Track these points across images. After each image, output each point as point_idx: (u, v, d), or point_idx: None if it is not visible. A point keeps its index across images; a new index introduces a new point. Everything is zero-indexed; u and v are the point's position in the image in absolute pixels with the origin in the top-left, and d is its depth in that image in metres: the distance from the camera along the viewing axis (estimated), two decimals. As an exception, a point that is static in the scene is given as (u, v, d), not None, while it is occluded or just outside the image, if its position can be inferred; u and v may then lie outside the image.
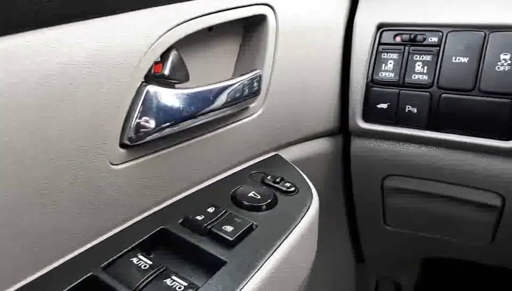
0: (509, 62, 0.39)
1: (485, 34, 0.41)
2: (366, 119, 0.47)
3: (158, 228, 0.33)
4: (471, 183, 0.45)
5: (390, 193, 0.52)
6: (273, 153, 0.45)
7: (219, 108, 0.36)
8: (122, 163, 0.31)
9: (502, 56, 0.40)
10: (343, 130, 0.51)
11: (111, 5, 0.28)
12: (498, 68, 0.40)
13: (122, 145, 0.30)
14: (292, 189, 0.38)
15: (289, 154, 0.47)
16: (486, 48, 0.40)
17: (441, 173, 0.46)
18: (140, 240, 0.31)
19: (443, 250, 0.58)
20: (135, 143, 0.30)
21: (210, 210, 0.34)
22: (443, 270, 0.70)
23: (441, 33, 0.43)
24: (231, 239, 0.31)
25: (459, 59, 0.41)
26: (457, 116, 0.42)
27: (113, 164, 0.30)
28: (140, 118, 0.30)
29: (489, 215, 0.47)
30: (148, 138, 0.31)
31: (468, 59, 0.41)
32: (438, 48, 0.43)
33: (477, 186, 0.45)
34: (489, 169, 0.42)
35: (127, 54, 0.28)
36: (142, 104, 0.30)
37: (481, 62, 0.40)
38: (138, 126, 0.30)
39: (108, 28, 0.27)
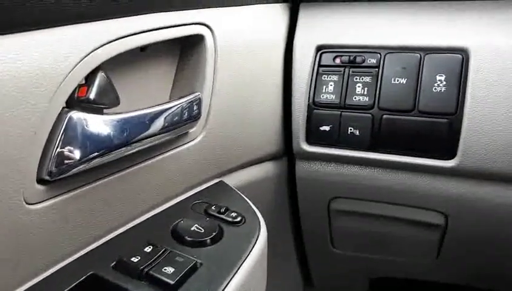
0: (444, 82, 0.40)
1: (421, 56, 0.42)
2: (309, 141, 0.46)
3: (87, 274, 0.28)
4: (415, 203, 0.45)
5: (337, 216, 0.51)
6: (216, 180, 0.43)
7: (155, 135, 0.33)
8: (40, 202, 0.26)
9: (438, 77, 0.41)
10: (287, 153, 0.50)
11: (25, 21, 0.24)
12: (435, 88, 0.41)
13: (41, 181, 0.26)
14: (238, 219, 0.35)
15: (233, 180, 0.45)
16: (422, 69, 0.41)
17: (385, 194, 0.46)
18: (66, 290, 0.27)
19: (391, 270, 0.58)
20: (56, 177, 0.26)
21: (148, 249, 0.30)
22: (393, 288, 0.71)
23: (379, 55, 0.43)
24: (172, 282, 0.27)
25: (398, 80, 0.42)
26: (399, 136, 0.42)
27: (29, 204, 0.25)
28: (62, 149, 0.26)
29: (433, 234, 0.47)
30: (73, 171, 0.27)
31: (406, 80, 0.42)
32: (377, 69, 0.43)
33: (420, 206, 0.45)
34: (431, 188, 0.43)
35: (43, 77, 0.24)
36: (63, 133, 0.26)
37: (419, 83, 0.41)
38: (60, 158, 0.26)
39: (21, 47, 0.23)
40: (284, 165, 0.51)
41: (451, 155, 0.40)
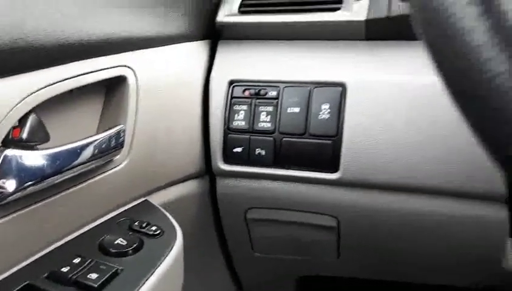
0: (328, 111, 0.50)
1: (310, 89, 0.51)
2: (225, 161, 0.54)
3: (23, 284, 0.34)
4: (313, 210, 0.54)
5: (254, 224, 0.59)
6: (142, 199, 0.49)
7: (83, 163, 0.39)
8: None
9: (323, 106, 0.50)
10: (208, 172, 0.57)
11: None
12: (321, 116, 0.50)
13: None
14: (158, 232, 0.42)
15: (158, 198, 0.51)
16: (311, 100, 0.51)
17: (289, 203, 0.54)
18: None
19: (305, 269, 0.67)
20: (-6, 204, 0.32)
21: (76, 260, 0.36)
22: (319, 285, 0.79)
23: (279, 88, 0.52)
24: (95, 285, 0.34)
25: (293, 109, 0.51)
26: (295, 155, 0.51)
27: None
28: (-1, 181, 0.32)
29: (330, 235, 0.56)
30: (9, 199, 0.33)
31: (299, 109, 0.51)
32: (277, 100, 0.52)
33: (317, 211, 0.54)
34: (323, 196, 0.52)
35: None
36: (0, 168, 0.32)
37: (309, 111, 0.50)
38: (-3, 188, 0.32)
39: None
40: (206, 182, 0.58)
41: (335, 169, 0.50)
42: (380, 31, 0.50)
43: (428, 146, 0.47)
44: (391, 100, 0.48)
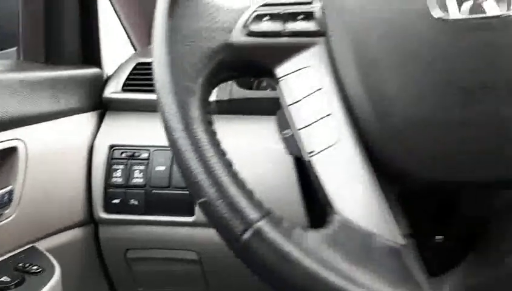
0: (186, 169, 0.65)
1: (173, 151, 0.66)
2: (106, 211, 0.67)
3: None
4: (178, 247, 0.68)
5: (133, 262, 0.71)
6: (30, 245, 0.59)
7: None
8: None
9: (182, 165, 0.65)
10: (92, 220, 0.69)
11: None
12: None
13: None
14: (39, 270, 0.53)
15: (46, 244, 0.62)
16: (174, 160, 0.66)
17: (159, 242, 0.68)
18: None
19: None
20: None
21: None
22: None
23: (149, 151, 0.67)
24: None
25: (160, 168, 0.66)
26: (162, 204, 0.65)
27: None
28: None
29: (195, 267, 0.70)
30: None
31: (165, 167, 0.65)
32: (147, 160, 0.66)
33: (181, 248, 0.68)
34: (184, 235, 0.66)
35: None
36: None
37: (172, 169, 0.65)
38: None
39: None
40: (91, 228, 0.70)
41: (192, 213, 0.65)
42: (224, 108, 0.68)
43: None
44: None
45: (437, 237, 0.43)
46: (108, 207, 0.66)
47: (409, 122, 0.32)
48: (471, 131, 0.31)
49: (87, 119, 0.71)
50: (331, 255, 0.30)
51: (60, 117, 0.65)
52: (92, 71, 0.74)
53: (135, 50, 0.92)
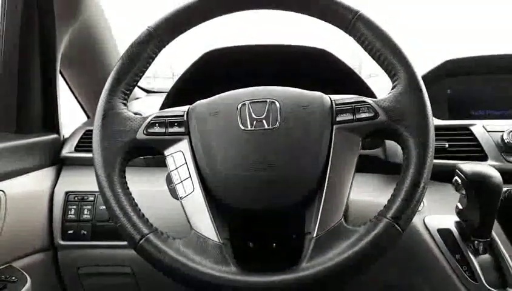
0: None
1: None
2: (63, 239, 0.92)
3: None
4: (116, 263, 0.94)
5: (84, 277, 0.96)
6: (8, 264, 0.84)
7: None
8: None
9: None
10: (53, 246, 0.94)
11: None
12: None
13: None
14: (16, 280, 0.78)
15: (20, 263, 0.86)
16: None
17: (103, 261, 0.94)
18: None
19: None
20: None
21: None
22: None
23: (95, 195, 0.93)
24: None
25: (102, 207, 0.92)
26: (105, 232, 0.92)
27: None
28: None
29: (130, 279, 0.96)
30: None
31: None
32: (93, 202, 0.93)
33: (118, 264, 0.94)
34: (121, 254, 0.92)
35: None
36: None
37: (112, 207, 0.92)
38: None
39: None
40: (52, 253, 0.95)
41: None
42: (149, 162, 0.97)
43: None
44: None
45: (250, 243, 0.74)
46: (65, 236, 0.92)
47: (225, 179, 0.62)
48: (257, 183, 0.61)
49: (49, 172, 0.97)
50: (187, 250, 0.59)
51: (29, 172, 0.92)
52: (52, 136, 1.01)
53: (88, 116, 1.20)
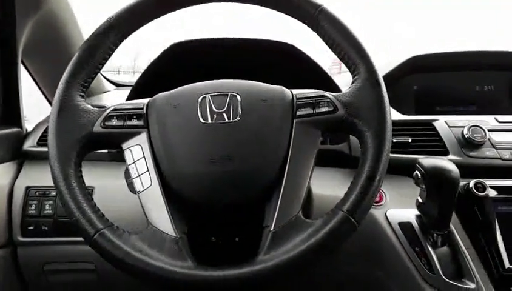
0: (85, 202, 0.91)
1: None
2: (23, 235, 0.90)
3: None
4: (77, 260, 0.92)
5: (50, 274, 0.94)
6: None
7: None
8: None
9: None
10: (12, 243, 0.91)
11: None
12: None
13: None
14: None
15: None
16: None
17: (66, 257, 0.92)
18: None
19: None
20: None
21: None
22: None
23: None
24: None
25: (65, 202, 0.90)
26: (66, 228, 0.90)
27: None
28: None
29: (93, 275, 0.94)
30: None
31: (69, 201, 0.90)
32: (55, 197, 0.91)
33: (80, 260, 0.92)
34: (83, 250, 0.90)
35: None
36: None
37: (74, 202, 0.90)
38: None
39: None
40: (11, 249, 0.92)
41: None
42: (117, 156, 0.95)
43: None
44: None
45: (212, 237, 0.74)
46: (25, 232, 0.90)
47: (184, 173, 0.61)
48: (217, 177, 0.61)
49: (9, 167, 0.94)
50: (143, 245, 0.58)
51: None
52: (14, 130, 0.98)
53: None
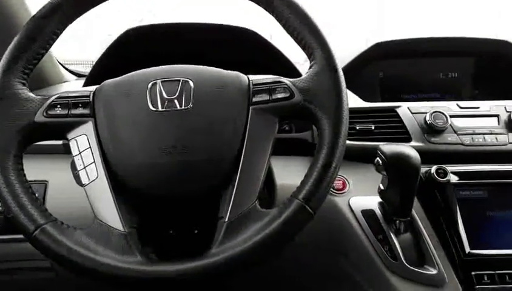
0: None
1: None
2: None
3: None
4: (35, 258, 0.88)
5: (2, 273, 0.89)
6: None
7: None
8: None
9: (34, 195, 0.86)
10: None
11: None
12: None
13: None
14: None
15: None
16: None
17: (16, 256, 0.87)
18: None
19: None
20: None
21: None
22: None
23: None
24: None
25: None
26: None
27: None
28: None
29: (50, 274, 0.90)
30: None
31: (20, 197, 0.86)
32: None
33: (38, 259, 0.87)
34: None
35: None
36: None
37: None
38: None
39: None
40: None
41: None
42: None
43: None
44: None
45: (170, 230, 0.71)
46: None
47: (134, 164, 0.58)
48: (167, 168, 0.58)
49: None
50: (89, 240, 0.55)
51: None
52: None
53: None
